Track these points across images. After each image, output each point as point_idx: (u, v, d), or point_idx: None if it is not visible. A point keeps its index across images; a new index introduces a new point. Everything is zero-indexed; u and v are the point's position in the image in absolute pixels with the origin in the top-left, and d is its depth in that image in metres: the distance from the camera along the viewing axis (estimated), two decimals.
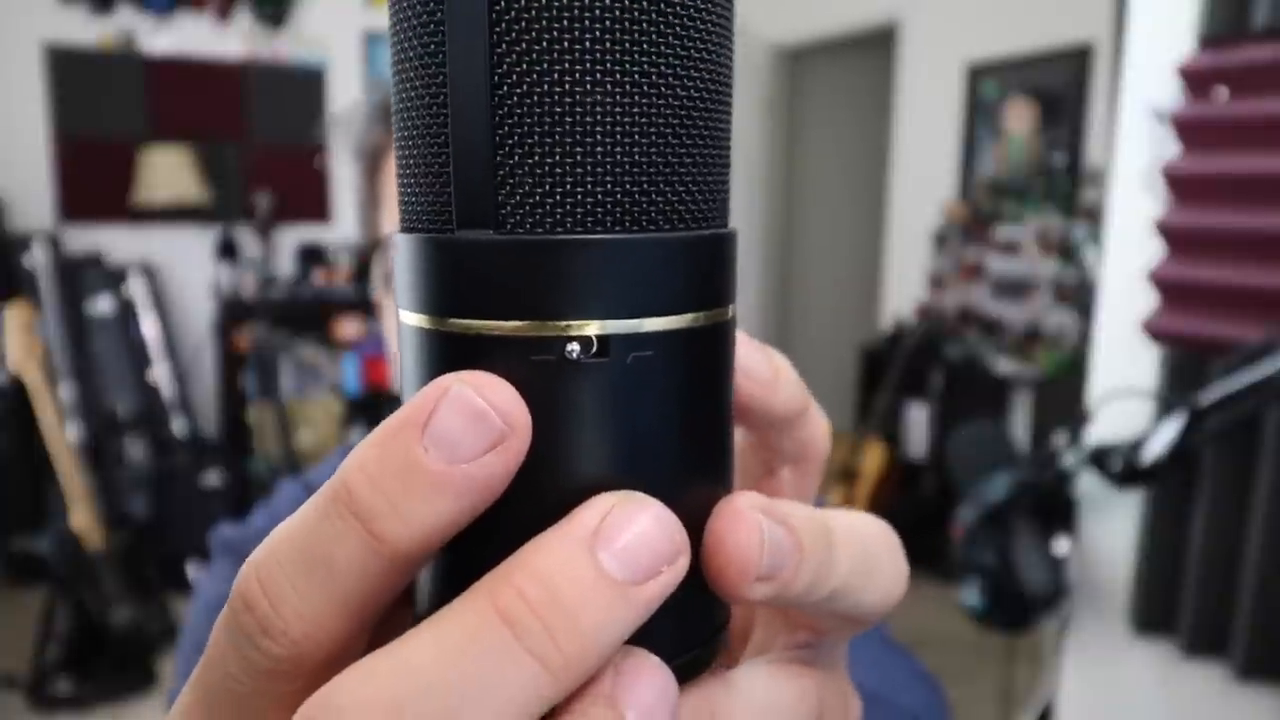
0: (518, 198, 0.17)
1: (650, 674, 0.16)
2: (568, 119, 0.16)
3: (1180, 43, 1.19)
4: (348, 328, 3.75)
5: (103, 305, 3.36)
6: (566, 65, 0.16)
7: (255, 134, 3.83)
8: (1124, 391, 1.23)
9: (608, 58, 0.16)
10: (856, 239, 5.11)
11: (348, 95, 3.92)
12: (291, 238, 3.92)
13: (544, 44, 0.16)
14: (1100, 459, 1.14)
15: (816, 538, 0.19)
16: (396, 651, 0.15)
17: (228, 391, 3.64)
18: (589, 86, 0.16)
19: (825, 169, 5.14)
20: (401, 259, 0.18)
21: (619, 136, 0.17)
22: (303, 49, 3.89)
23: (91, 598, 2.52)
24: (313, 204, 3.92)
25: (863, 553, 0.20)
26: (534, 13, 0.16)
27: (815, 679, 0.21)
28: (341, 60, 3.93)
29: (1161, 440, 1.06)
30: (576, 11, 0.16)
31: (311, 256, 3.89)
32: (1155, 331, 1.22)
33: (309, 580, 0.16)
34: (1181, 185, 1.19)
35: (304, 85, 3.90)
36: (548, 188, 0.16)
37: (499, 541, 0.16)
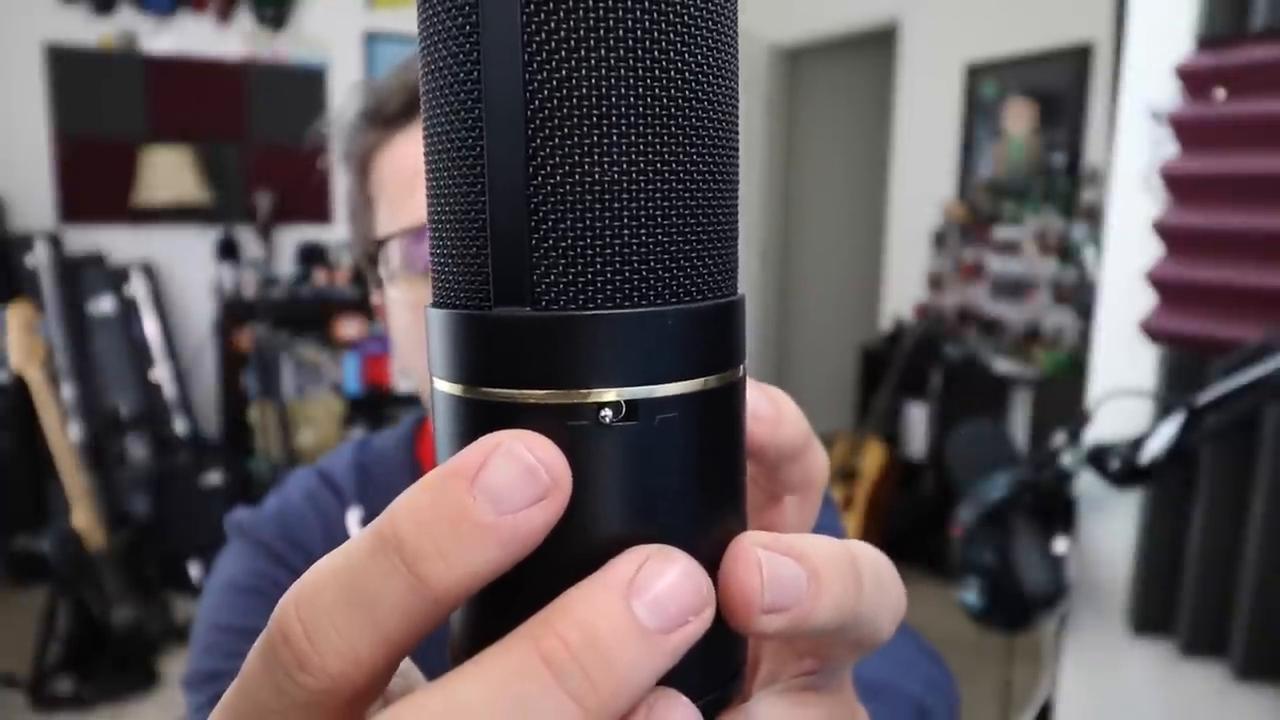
0: (551, 278, 0.18)
1: (680, 713, 0.17)
2: (596, 207, 0.18)
3: (1179, 43, 1.19)
4: (348, 328, 3.75)
5: (104, 305, 3.36)
6: (594, 159, 0.18)
7: (256, 134, 3.84)
8: (1123, 391, 1.23)
9: (635, 148, 0.18)
10: (856, 239, 5.11)
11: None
12: (292, 238, 3.92)
13: (574, 140, 0.18)
14: (1099, 459, 1.14)
15: (838, 566, 0.20)
16: (445, 688, 0.16)
17: (228, 391, 3.64)
18: (615, 177, 0.18)
19: (825, 169, 5.14)
20: (437, 332, 0.20)
21: (642, 221, 0.18)
22: (303, 49, 3.89)
23: (92, 597, 2.52)
24: (313, 204, 3.92)
25: (875, 576, 0.21)
26: (565, 112, 0.18)
27: (825, 705, 0.22)
28: (342, 60, 3.93)
29: (1160, 440, 1.06)
30: (604, 110, 0.18)
31: (312, 256, 3.89)
32: (1154, 331, 1.23)
33: (349, 617, 0.17)
34: (1180, 185, 1.20)
35: (304, 85, 3.90)
36: (579, 268, 0.18)
37: (535, 588, 0.18)
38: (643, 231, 0.18)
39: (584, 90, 0.18)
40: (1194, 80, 1.17)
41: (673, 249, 0.19)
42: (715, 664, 0.20)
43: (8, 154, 3.46)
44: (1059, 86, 3.37)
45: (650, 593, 0.17)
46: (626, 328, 0.18)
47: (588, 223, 0.18)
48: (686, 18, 0.19)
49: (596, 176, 0.18)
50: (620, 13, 0.18)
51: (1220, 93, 1.16)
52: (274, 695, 0.17)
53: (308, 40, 3.89)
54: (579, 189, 0.18)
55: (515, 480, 0.17)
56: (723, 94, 0.20)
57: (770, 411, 0.22)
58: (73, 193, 3.58)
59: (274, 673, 0.17)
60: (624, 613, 0.17)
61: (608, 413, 0.18)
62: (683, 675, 0.18)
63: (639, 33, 0.18)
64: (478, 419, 0.19)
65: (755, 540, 0.19)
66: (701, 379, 0.19)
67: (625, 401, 0.18)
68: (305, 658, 0.17)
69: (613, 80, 0.18)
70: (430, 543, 0.16)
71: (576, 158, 0.18)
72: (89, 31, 3.55)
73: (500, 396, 0.18)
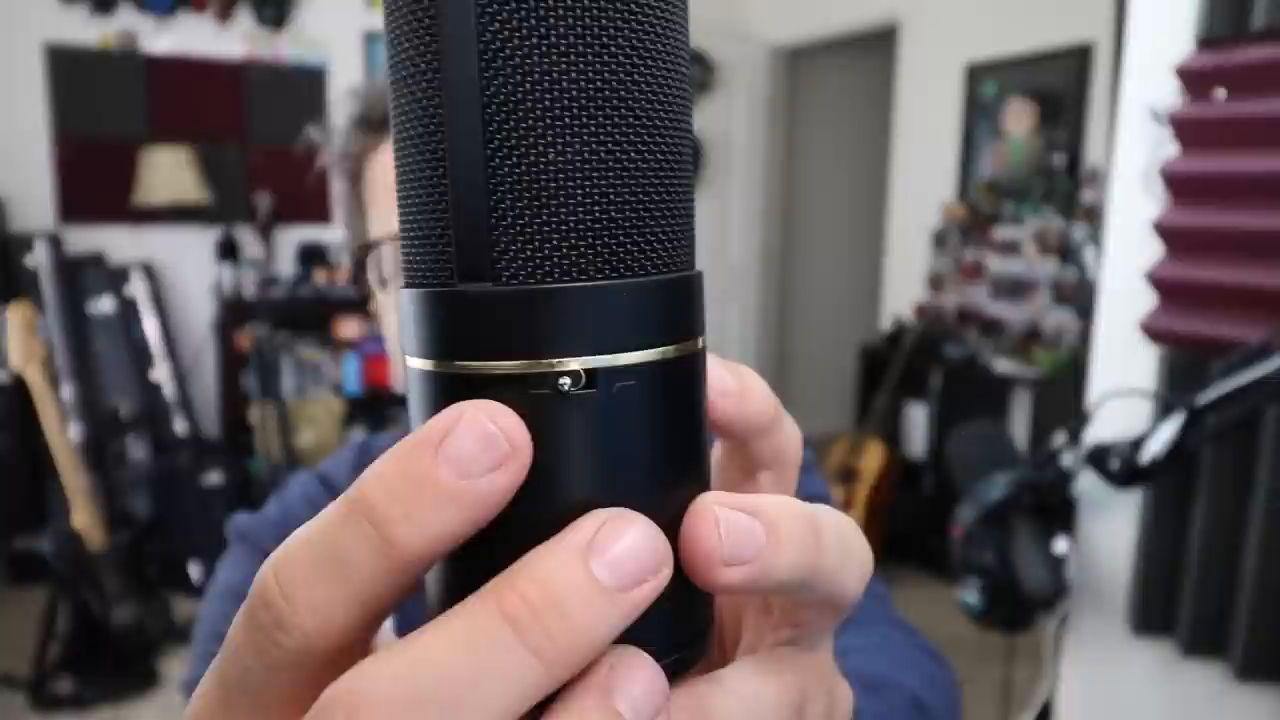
0: (511, 254, 0.19)
1: (640, 669, 0.18)
2: (553, 185, 0.19)
3: (1179, 43, 1.19)
4: (348, 327, 3.75)
5: (104, 305, 3.36)
6: (551, 138, 0.19)
7: (256, 134, 3.84)
8: (1123, 391, 1.23)
9: (586, 130, 0.19)
10: (856, 239, 5.11)
11: None
12: (292, 238, 3.92)
13: (530, 122, 0.19)
14: (1099, 459, 1.14)
15: (795, 521, 0.20)
16: (412, 645, 0.17)
17: (228, 391, 3.64)
18: (571, 155, 0.19)
19: (825, 169, 5.14)
20: (407, 311, 0.21)
21: (598, 197, 0.19)
22: (303, 49, 3.89)
23: (92, 597, 2.52)
24: (313, 204, 3.92)
25: (838, 534, 0.22)
26: (520, 96, 0.19)
27: (797, 671, 0.23)
28: (341, 61, 3.93)
29: (1160, 440, 1.06)
30: (558, 92, 0.19)
31: (312, 256, 3.89)
32: (1154, 331, 1.23)
33: (324, 579, 0.18)
34: (1180, 185, 1.19)
35: (304, 85, 3.90)
36: (538, 244, 0.19)
37: (499, 550, 0.18)
38: (597, 208, 0.19)
39: (539, 73, 0.19)
40: (1194, 80, 1.17)
41: (627, 225, 0.20)
42: (679, 625, 0.21)
43: (8, 154, 3.46)
44: (1059, 86, 3.37)
45: (609, 553, 0.18)
46: (585, 300, 0.19)
47: (544, 200, 0.19)
48: (636, 3, 0.19)
49: (552, 156, 0.19)
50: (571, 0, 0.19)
51: (1220, 93, 1.16)
52: (256, 657, 0.18)
53: (308, 40, 3.89)
54: (535, 169, 0.19)
55: (477, 447, 0.17)
56: (674, 75, 0.21)
57: (735, 386, 0.23)
58: (73, 193, 3.58)
59: (255, 635, 0.18)
60: (582, 572, 0.17)
61: (566, 381, 0.19)
62: (646, 635, 0.18)
63: (590, 17, 0.19)
64: (445, 392, 0.20)
65: (714, 499, 0.20)
66: (659, 349, 0.20)
67: (585, 370, 0.19)
68: (283, 618, 0.18)
69: (566, 63, 0.19)
70: (398, 507, 0.17)
71: (532, 139, 0.19)
72: (89, 31, 3.56)
73: (467, 370, 0.19)
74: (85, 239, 3.57)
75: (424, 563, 0.18)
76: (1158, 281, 1.21)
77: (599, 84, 0.19)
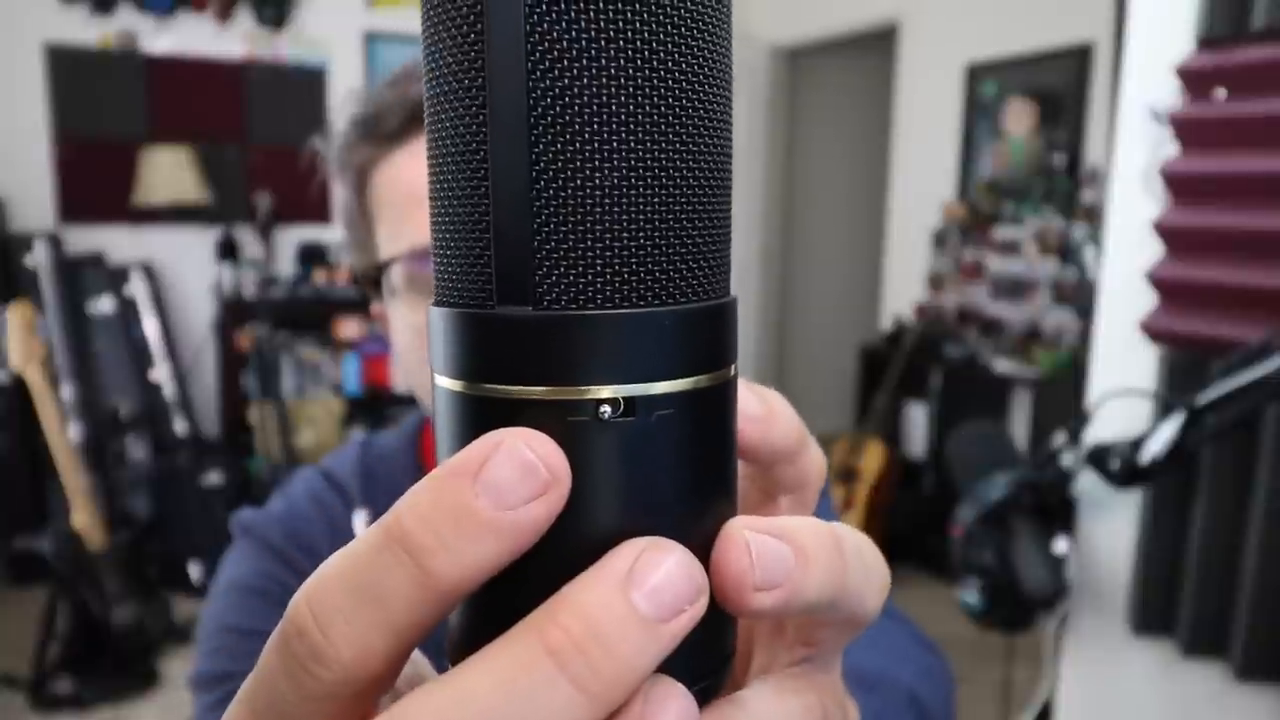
0: (553, 278, 0.19)
1: (675, 699, 0.18)
2: (597, 211, 0.19)
3: (1179, 43, 1.19)
4: (348, 327, 3.75)
5: (104, 305, 3.36)
6: (595, 165, 0.19)
7: (256, 134, 3.84)
8: (1123, 391, 1.23)
9: (634, 156, 0.19)
10: (856, 239, 5.11)
11: None
12: (292, 238, 3.92)
13: (576, 146, 0.19)
14: (1099, 459, 1.14)
15: (822, 543, 0.20)
16: (455, 680, 0.17)
17: (228, 391, 3.64)
18: (615, 183, 0.19)
19: (825, 169, 5.14)
20: (439, 330, 0.20)
21: (640, 225, 0.19)
22: (303, 49, 3.89)
23: (92, 597, 2.52)
24: (313, 204, 3.92)
25: (858, 552, 0.22)
26: (567, 119, 0.19)
27: (816, 691, 0.23)
28: (342, 61, 3.93)
29: (1160, 440, 1.06)
30: (604, 118, 0.19)
31: (312, 256, 3.89)
32: (1154, 331, 1.23)
33: (360, 610, 0.17)
34: (1180, 185, 1.19)
35: (304, 85, 3.90)
36: (580, 270, 0.19)
37: (536, 578, 0.18)
38: (641, 235, 0.19)
39: (586, 98, 0.18)
40: (1194, 80, 1.17)
41: (670, 252, 0.20)
42: (707, 652, 0.21)
43: (8, 154, 3.46)
44: (1059, 86, 3.37)
45: (648, 583, 0.18)
46: (625, 327, 0.19)
47: (588, 226, 0.19)
48: (685, 29, 0.19)
49: (598, 182, 0.19)
50: (621, 24, 0.19)
51: (1220, 93, 1.16)
52: (291, 687, 0.18)
53: (308, 40, 3.89)
54: (580, 194, 0.19)
55: (516, 476, 0.17)
56: (718, 103, 0.21)
57: (761, 411, 0.23)
58: (73, 193, 3.58)
59: (289, 666, 0.18)
60: (623, 603, 0.17)
61: (606, 409, 0.19)
62: (677, 663, 0.18)
63: (639, 43, 0.19)
64: (480, 415, 0.19)
65: (743, 524, 0.20)
66: (695, 377, 0.20)
67: (623, 398, 0.19)
68: (319, 650, 0.17)
69: (613, 89, 0.19)
70: (435, 538, 0.17)
71: (578, 164, 0.19)
72: (89, 31, 3.56)
73: (502, 393, 0.19)
74: (85, 239, 3.57)
75: (462, 593, 0.18)
76: (1158, 281, 1.21)
77: (647, 108, 0.19)
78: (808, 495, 0.25)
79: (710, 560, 0.20)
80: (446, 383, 0.20)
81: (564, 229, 0.19)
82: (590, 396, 0.19)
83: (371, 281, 0.63)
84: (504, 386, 0.19)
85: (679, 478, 0.20)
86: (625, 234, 0.19)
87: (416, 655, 0.22)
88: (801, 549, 0.20)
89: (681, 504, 0.20)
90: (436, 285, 0.21)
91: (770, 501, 0.25)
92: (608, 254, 0.19)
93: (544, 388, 0.19)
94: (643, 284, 0.19)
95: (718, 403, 0.21)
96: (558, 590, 0.18)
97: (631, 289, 0.19)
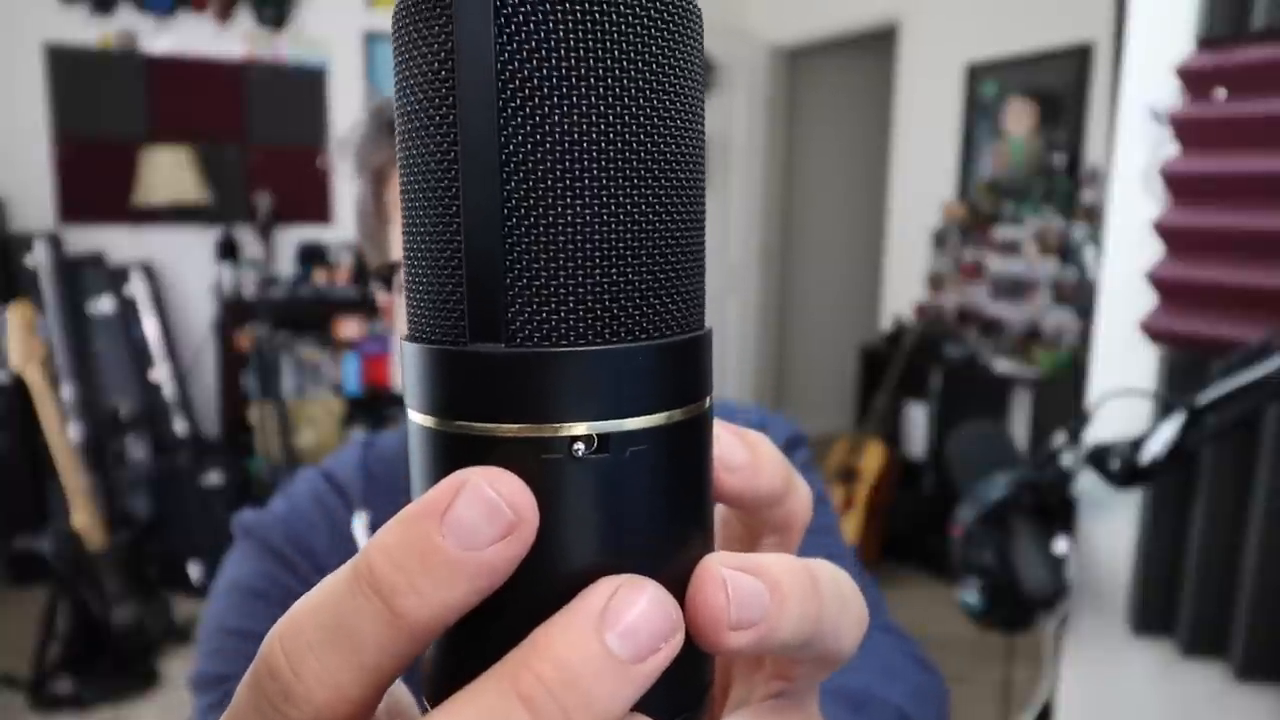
0: (525, 316, 0.19)
1: None
2: (569, 248, 0.19)
3: (1179, 43, 1.19)
4: (348, 327, 3.75)
5: (104, 305, 3.36)
6: (567, 203, 0.19)
7: (256, 134, 3.84)
8: (1123, 391, 1.23)
9: (605, 193, 0.19)
10: (856, 239, 5.11)
11: (348, 96, 3.92)
12: (292, 238, 3.92)
13: (547, 185, 0.18)
14: (1099, 459, 1.14)
15: (798, 581, 0.20)
16: None
17: (228, 391, 3.64)
18: (588, 220, 0.19)
19: (825, 169, 5.14)
20: (411, 365, 0.20)
21: (613, 262, 0.19)
22: (303, 49, 3.89)
23: (92, 597, 2.52)
24: (313, 204, 3.92)
25: (835, 587, 0.22)
26: (538, 158, 0.18)
27: None
28: (342, 61, 3.93)
29: (1160, 440, 1.06)
30: (575, 156, 0.19)
31: (312, 256, 3.89)
32: (1154, 331, 1.23)
33: (331, 650, 0.18)
34: (1180, 185, 1.20)
35: (304, 85, 3.90)
36: (552, 307, 0.19)
37: (511, 618, 0.18)
38: (614, 271, 0.19)
39: (557, 136, 0.18)
40: (1194, 80, 1.17)
41: (643, 288, 0.20)
42: (685, 685, 0.21)
43: (8, 154, 3.46)
44: (1059, 86, 3.37)
45: (622, 623, 0.17)
46: (598, 364, 0.19)
47: (560, 263, 0.19)
48: (655, 66, 0.19)
49: (569, 219, 0.19)
50: (592, 62, 0.18)
51: (1220, 93, 1.16)
52: None
53: (308, 40, 3.89)
54: (552, 232, 0.19)
55: (481, 517, 0.17)
56: (689, 139, 0.20)
57: (746, 459, 0.23)
58: (73, 193, 3.58)
59: (261, 704, 0.18)
60: (597, 645, 0.17)
61: (580, 446, 0.18)
62: (655, 697, 0.18)
63: (610, 80, 0.19)
64: (452, 451, 0.19)
65: (719, 560, 0.20)
66: (670, 411, 0.20)
67: (597, 435, 0.19)
68: (291, 690, 0.17)
69: (585, 127, 0.19)
70: (403, 578, 0.17)
71: (550, 201, 0.19)
72: (89, 31, 3.56)
73: (475, 430, 0.19)
74: (85, 239, 3.57)
75: (433, 632, 0.18)
76: (1158, 281, 1.21)
77: (619, 145, 0.19)
78: (793, 535, 0.25)
79: (686, 597, 0.19)
80: (419, 418, 0.20)
81: (536, 266, 0.19)
82: (564, 434, 0.18)
83: (383, 279, 0.64)
84: (476, 424, 0.19)
85: (654, 513, 0.20)
86: (598, 271, 0.19)
87: (397, 685, 0.22)
88: (776, 584, 0.20)
89: (657, 540, 0.20)
90: (409, 320, 0.21)
91: (755, 540, 0.25)
92: (580, 290, 0.19)
93: (517, 425, 0.18)
94: (616, 320, 0.19)
95: (693, 436, 0.21)
96: (533, 627, 0.18)
97: (605, 325, 0.19)
